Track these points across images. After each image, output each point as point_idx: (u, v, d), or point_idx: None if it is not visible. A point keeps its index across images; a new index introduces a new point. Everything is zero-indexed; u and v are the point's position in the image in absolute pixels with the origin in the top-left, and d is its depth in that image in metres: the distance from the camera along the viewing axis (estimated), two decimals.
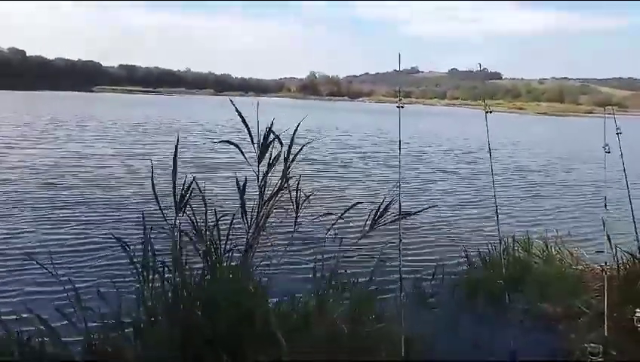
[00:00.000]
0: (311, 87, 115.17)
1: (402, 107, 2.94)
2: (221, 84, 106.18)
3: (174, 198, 2.23)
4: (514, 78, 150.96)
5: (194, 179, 2.32)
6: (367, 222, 2.71)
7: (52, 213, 6.15)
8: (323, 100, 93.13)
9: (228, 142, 2.72)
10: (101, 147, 13.17)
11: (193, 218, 2.32)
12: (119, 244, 2.25)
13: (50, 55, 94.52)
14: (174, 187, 2.23)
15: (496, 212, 3.50)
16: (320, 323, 2.40)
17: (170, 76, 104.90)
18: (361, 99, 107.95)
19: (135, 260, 2.20)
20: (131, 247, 2.26)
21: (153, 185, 2.32)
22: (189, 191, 2.24)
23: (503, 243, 3.96)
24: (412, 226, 6.30)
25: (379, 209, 2.68)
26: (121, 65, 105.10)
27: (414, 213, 3.11)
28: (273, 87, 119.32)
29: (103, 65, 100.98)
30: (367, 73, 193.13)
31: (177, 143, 2.37)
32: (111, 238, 5.00)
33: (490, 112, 3.22)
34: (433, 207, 7.28)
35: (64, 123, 19.93)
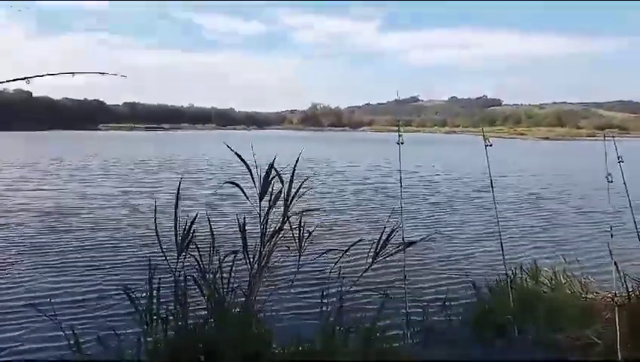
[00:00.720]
0: (312, 119, 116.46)
1: (402, 143, 2.97)
2: (224, 119, 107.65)
3: (176, 242, 2.23)
4: (514, 104, 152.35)
5: (193, 221, 2.31)
6: (370, 254, 2.69)
7: (54, 259, 6.09)
8: (324, 131, 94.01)
9: (231, 182, 2.73)
10: (105, 187, 13.22)
11: (197, 260, 2.31)
12: (124, 292, 2.23)
13: (56, 95, 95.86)
14: (176, 231, 2.23)
15: (501, 242, 3.48)
16: None
17: (173, 112, 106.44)
18: (362, 129, 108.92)
19: (139, 305, 2.18)
20: (135, 291, 2.25)
21: (157, 230, 2.32)
22: (191, 235, 2.24)
23: (510, 272, 3.91)
24: (420, 258, 6.24)
25: (379, 241, 2.67)
26: (125, 103, 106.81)
27: (415, 243, 3.08)
28: (275, 119, 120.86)
29: (107, 103, 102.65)
30: (368, 103, 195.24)
31: (178, 190, 2.37)
32: (114, 282, 4.99)
33: (491, 145, 3.24)
34: (434, 235, 7.23)
35: (68, 163, 20.08)
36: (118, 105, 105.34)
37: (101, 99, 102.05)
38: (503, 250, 3.40)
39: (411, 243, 2.99)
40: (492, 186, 3.27)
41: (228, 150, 2.66)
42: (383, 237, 2.71)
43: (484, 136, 3.31)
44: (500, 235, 3.65)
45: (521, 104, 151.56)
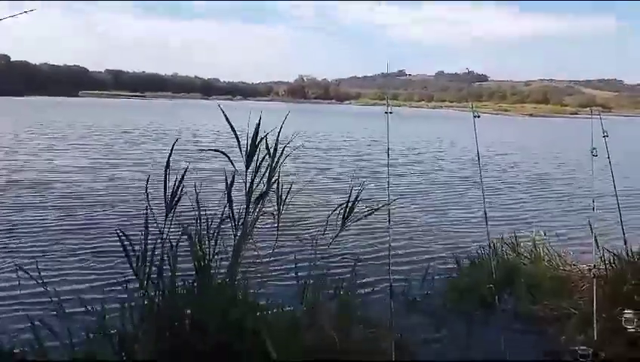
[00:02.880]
0: (299, 91, 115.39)
1: (391, 112, 2.96)
2: (208, 88, 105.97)
3: (165, 198, 2.17)
4: (500, 80, 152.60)
5: (182, 182, 2.26)
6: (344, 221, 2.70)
7: (34, 226, 5.99)
8: (312, 103, 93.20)
9: (216, 150, 2.67)
10: (85, 157, 12.89)
11: (184, 224, 2.27)
12: (119, 240, 2.17)
13: (36, 60, 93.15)
14: (165, 186, 2.17)
15: (485, 215, 3.51)
16: (309, 330, 2.37)
17: (156, 80, 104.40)
18: (348, 102, 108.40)
19: (124, 266, 2.15)
20: (119, 257, 2.22)
21: (147, 192, 2.26)
22: (180, 190, 2.19)
23: (492, 245, 3.97)
24: (406, 230, 6.30)
25: (347, 205, 2.67)
26: (107, 70, 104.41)
27: (381, 207, 3.06)
28: (261, 90, 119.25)
29: (90, 70, 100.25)
30: (355, 76, 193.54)
31: (173, 147, 2.31)
32: (94, 248, 4.96)
33: (479, 116, 3.24)
34: (398, 199, 7.30)
35: (47, 131, 19.53)
36: (101, 72, 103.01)
37: (83, 66, 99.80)
38: (487, 222, 3.43)
39: (376, 209, 2.99)
40: (479, 158, 3.28)
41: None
42: (351, 203, 2.70)
43: (473, 110, 3.32)
44: (484, 208, 3.68)
45: (508, 80, 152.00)
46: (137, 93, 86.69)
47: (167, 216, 2.18)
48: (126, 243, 2.20)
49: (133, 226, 5.75)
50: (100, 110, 39.77)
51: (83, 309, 2.35)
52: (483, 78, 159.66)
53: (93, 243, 5.49)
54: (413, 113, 58.99)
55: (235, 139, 2.45)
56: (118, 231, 2.24)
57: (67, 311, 2.29)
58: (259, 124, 2.36)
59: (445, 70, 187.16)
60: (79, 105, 48.80)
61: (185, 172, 2.26)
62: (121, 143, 16.50)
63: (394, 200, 5.18)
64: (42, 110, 35.49)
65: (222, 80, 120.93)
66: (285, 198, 2.46)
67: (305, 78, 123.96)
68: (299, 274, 2.81)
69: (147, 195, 2.27)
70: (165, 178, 2.20)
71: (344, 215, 2.63)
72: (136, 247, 2.20)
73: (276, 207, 2.56)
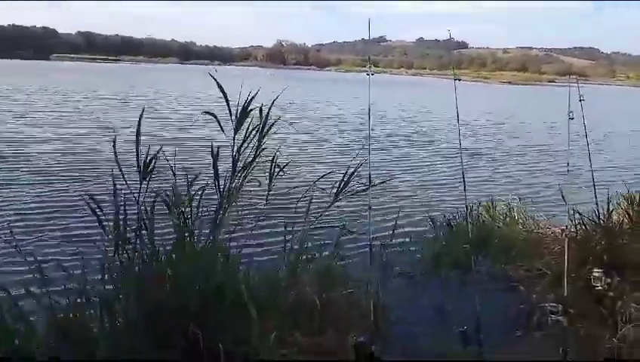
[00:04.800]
0: (278, 56, 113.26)
1: (373, 74, 2.95)
2: (185, 53, 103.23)
3: (137, 163, 2.12)
4: (480, 48, 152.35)
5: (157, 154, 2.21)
6: (334, 192, 2.72)
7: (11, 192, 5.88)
8: (292, 70, 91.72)
9: (208, 113, 2.59)
10: (62, 126, 12.52)
11: (162, 188, 2.23)
12: (89, 207, 2.14)
13: (2, 22, 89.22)
14: (138, 149, 2.11)
15: (463, 179, 3.57)
16: (291, 294, 2.41)
17: (131, 44, 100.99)
18: (328, 68, 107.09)
19: (103, 229, 2.13)
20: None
21: (115, 152, 2.20)
22: (155, 156, 2.13)
23: (468, 208, 4.06)
24: (387, 196, 6.36)
25: (343, 179, 2.68)
26: (79, 32, 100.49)
27: (379, 183, 3.12)
28: (239, 55, 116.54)
29: (60, 32, 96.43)
30: (334, 42, 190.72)
31: (143, 111, 2.24)
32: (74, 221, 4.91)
33: (460, 80, 3.27)
34: (394, 177, 7.37)
35: (21, 96, 18.87)
36: (71, 34, 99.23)
37: (52, 27, 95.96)
38: (465, 186, 3.50)
39: (374, 185, 3.02)
40: (458, 120, 3.31)
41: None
42: (347, 178, 2.72)
43: (454, 73, 3.33)
44: (462, 173, 3.73)
45: (487, 47, 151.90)
46: (111, 57, 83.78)
47: (141, 181, 2.14)
48: (98, 211, 2.16)
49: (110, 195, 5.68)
50: (81, 75, 38.22)
51: (63, 273, 2.33)
52: (463, 45, 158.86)
53: (71, 213, 5.43)
54: (394, 81, 58.63)
55: (220, 108, 2.39)
56: (86, 197, 2.21)
57: (47, 276, 2.26)
58: (257, 92, 2.32)
59: (425, 36, 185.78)
60: (54, 69, 46.87)
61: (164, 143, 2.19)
62: (104, 111, 15.94)
63: (387, 180, 5.21)
64: (11, 74, 34.12)
65: (198, 44, 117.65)
66: (276, 174, 2.44)
67: (284, 43, 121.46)
68: (284, 240, 2.81)
69: (116, 157, 2.20)
70: (137, 140, 2.13)
71: (338, 189, 2.64)
72: (113, 214, 2.16)
73: (265, 175, 2.53)
